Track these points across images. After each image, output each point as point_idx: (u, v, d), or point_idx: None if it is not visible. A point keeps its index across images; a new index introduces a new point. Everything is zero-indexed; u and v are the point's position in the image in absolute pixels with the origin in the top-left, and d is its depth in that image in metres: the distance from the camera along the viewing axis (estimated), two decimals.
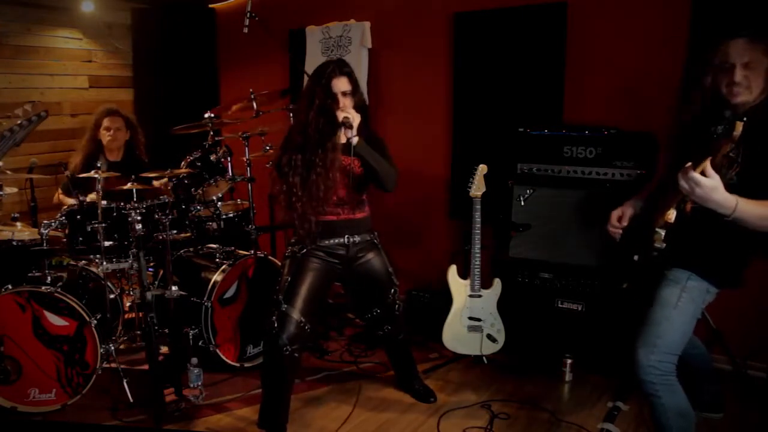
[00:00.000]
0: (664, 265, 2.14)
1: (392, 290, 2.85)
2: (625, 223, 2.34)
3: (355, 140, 2.51)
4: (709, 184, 1.75)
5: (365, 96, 2.74)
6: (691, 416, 2.11)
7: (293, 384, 2.71)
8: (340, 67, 2.60)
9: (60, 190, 3.81)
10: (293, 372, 2.66)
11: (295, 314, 2.54)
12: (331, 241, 2.68)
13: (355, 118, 2.52)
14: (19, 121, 2.21)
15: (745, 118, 1.69)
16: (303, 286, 2.60)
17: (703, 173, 1.75)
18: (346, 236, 2.70)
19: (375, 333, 3.00)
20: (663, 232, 2.00)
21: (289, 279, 2.61)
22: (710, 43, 2.06)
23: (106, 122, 3.79)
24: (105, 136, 3.79)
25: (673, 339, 2.08)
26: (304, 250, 2.66)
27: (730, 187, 1.79)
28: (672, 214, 1.94)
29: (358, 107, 2.61)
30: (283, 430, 2.64)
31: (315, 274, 2.64)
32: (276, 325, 2.53)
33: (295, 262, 2.65)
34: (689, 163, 1.78)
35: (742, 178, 1.86)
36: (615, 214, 2.37)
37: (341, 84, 2.57)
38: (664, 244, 2.00)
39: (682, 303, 2.07)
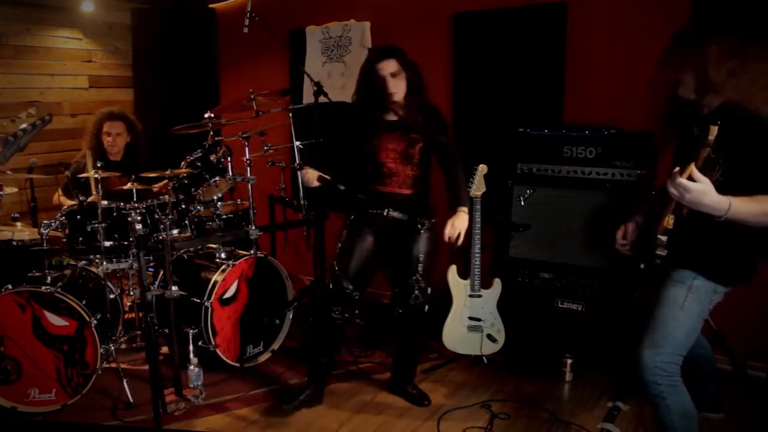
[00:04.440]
0: (669, 266, 2.13)
1: (413, 277, 2.82)
2: (630, 239, 2.34)
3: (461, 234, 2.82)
4: (698, 188, 1.74)
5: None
6: (694, 417, 2.11)
7: (338, 346, 3.08)
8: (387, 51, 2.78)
9: (60, 191, 3.80)
10: (340, 334, 2.94)
11: (346, 282, 2.78)
12: (374, 211, 2.84)
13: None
14: (23, 126, 2.22)
15: (719, 122, 1.69)
16: (352, 253, 2.81)
17: (690, 178, 1.74)
18: (387, 209, 2.83)
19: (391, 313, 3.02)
20: (665, 239, 2.00)
21: (340, 246, 2.86)
22: (673, 50, 2.07)
23: (106, 127, 3.79)
24: (105, 140, 3.79)
25: (679, 340, 2.07)
26: (352, 217, 2.89)
27: (717, 185, 1.79)
28: (671, 220, 1.94)
29: (413, 89, 2.77)
30: (324, 382, 2.98)
31: (362, 242, 2.83)
32: (330, 287, 2.81)
33: (346, 229, 2.89)
34: (676, 169, 1.78)
35: (727, 177, 1.86)
36: (619, 233, 2.37)
37: (389, 66, 2.73)
38: (666, 252, 2.00)
39: (689, 303, 2.06)
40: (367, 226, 2.86)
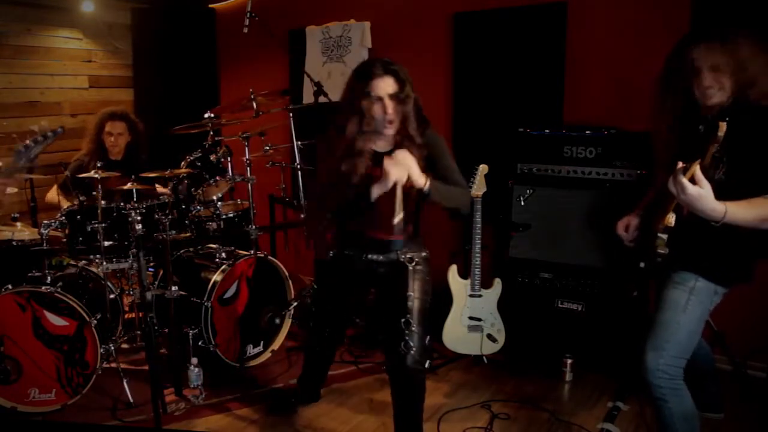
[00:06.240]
0: (670, 267, 2.13)
1: (403, 320, 2.29)
2: (632, 232, 2.34)
3: (424, 185, 2.15)
4: (694, 192, 1.71)
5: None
6: (696, 419, 2.11)
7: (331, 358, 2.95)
8: (385, 65, 2.25)
9: (57, 188, 3.79)
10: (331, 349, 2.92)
11: (324, 327, 2.78)
12: (352, 253, 2.51)
13: (403, 169, 2.10)
14: (33, 138, 2.21)
15: (727, 119, 1.69)
16: (330, 299, 2.73)
17: (692, 179, 1.72)
18: (367, 254, 2.47)
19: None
20: (665, 237, 2.00)
21: (317, 288, 2.93)
22: (674, 52, 2.08)
23: (107, 127, 3.79)
24: (107, 140, 3.80)
25: (682, 342, 2.07)
26: (331, 254, 2.63)
27: (718, 185, 1.77)
28: (672, 218, 1.94)
29: (410, 113, 2.25)
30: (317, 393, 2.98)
31: (340, 286, 2.68)
32: (310, 325, 2.94)
33: (323, 268, 2.89)
34: (680, 165, 1.75)
35: (729, 177, 1.86)
36: (621, 224, 2.37)
37: (385, 85, 2.19)
38: (667, 249, 1.99)
39: (691, 306, 2.06)
40: (345, 269, 2.54)
